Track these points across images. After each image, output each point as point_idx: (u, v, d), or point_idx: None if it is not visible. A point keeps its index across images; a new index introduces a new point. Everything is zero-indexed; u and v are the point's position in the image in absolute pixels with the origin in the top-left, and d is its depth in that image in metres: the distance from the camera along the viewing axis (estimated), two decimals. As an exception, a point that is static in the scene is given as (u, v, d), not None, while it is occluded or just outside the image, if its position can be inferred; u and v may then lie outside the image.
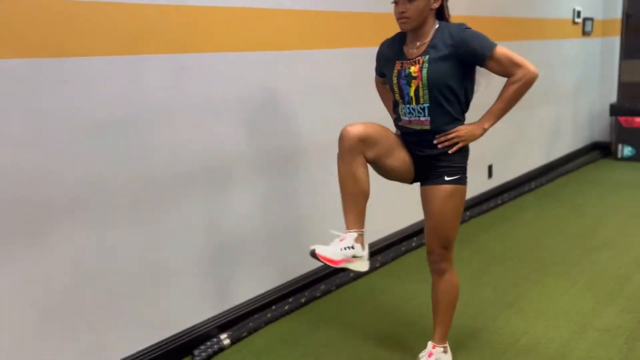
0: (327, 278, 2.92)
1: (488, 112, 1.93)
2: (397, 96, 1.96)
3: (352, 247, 1.85)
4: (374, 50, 2.11)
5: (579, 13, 5.21)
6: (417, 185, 2.06)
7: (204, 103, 2.28)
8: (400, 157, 1.98)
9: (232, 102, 2.39)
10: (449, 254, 2.02)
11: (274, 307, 2.65)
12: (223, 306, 2.50)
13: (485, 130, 1.92)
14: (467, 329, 2.45)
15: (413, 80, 1.87)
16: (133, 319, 2.16)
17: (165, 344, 2.26)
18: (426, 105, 1.89)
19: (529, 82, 1.85)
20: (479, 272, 3.06)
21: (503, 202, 4.30)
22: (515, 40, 4.38)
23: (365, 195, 1.90)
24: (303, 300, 2.74)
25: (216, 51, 2.28)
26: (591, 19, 5.47)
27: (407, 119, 1.97)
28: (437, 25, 1.91)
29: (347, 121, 1.88)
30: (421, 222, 3.35)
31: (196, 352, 2.31)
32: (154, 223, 2.18)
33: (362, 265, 1.90)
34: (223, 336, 2.41)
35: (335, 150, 1.89)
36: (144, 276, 2.18)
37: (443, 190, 1.93)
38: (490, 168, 4.31)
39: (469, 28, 1.88)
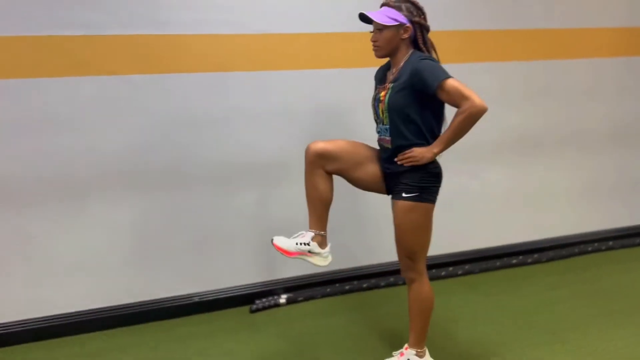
0: (393, 274, 3.22)
1: (438, 139, 2.05)
2: (374, 116, 2.20)
3: (308, 244, 2.15)
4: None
5: None
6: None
7: (279, 111, 2.90)
8: (367, 171, 2.20)
9: (304, 111, 2.94)
10: (414, 264, 2.17)
11: (337, 285, 3.13)
12: (292, 273, 3.09)
13: (435, 154, 2.04)
14: (490, 351, 2.50)
15: (380, 104, 2.11)
16: (211, 264, 2.94)
17: (234, 289, 2.99)
18: (388, 126, 2.10)
19: (474, 114, 1.93)
20: (558, 303, 2.92)
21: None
22: None
23: (323, 203, 2.18)
24: (365, 285, 3.14)
25: (291, 69, 2.87)
26: None
27: (379, 136, 2.20)
28: (409, 54, 2.07)
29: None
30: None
31: (257, 301, 2.98)
32: (232, 196, 2.92)
33: (320, 261, 2.19)
34: (283, 296, 3.02)
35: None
36: (223, 235, 2.94)
37: (400, 205, 2.10)
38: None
39: (427, 59, 2.01)
